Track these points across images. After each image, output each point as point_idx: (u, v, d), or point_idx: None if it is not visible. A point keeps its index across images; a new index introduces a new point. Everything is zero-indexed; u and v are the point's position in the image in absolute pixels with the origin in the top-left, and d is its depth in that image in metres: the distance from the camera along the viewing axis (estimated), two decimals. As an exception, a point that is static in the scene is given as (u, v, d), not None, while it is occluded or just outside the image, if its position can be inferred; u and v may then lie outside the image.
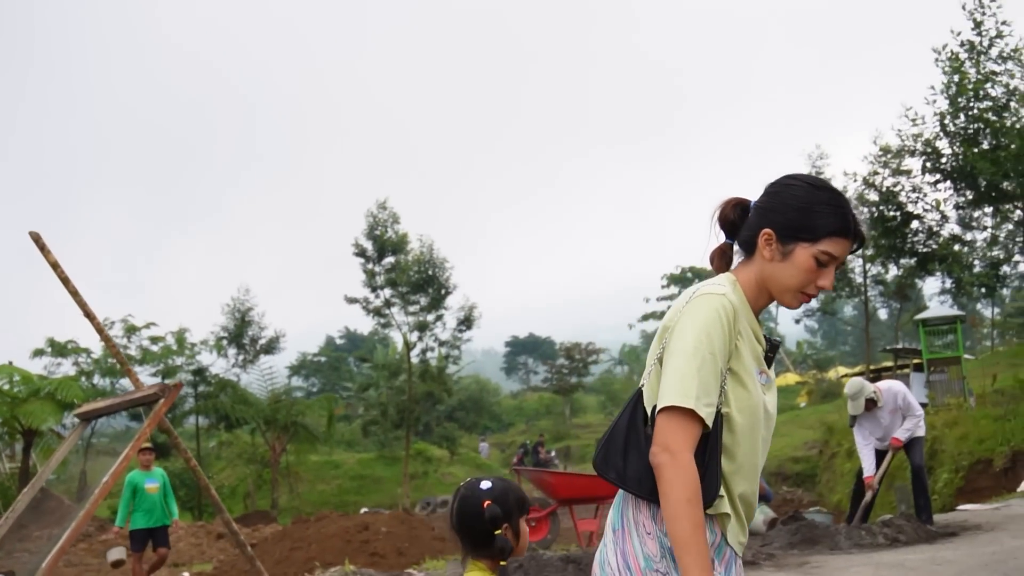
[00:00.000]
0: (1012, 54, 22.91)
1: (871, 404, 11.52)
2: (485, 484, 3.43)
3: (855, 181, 27.06)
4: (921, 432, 11.84)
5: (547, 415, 71.54)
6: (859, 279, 33.93)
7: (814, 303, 36.56)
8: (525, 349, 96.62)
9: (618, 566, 2.87)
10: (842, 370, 55.03)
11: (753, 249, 2.96)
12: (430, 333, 38.74)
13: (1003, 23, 22.83)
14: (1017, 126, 22.60)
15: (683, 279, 62.53)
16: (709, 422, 2.75)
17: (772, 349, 2.98)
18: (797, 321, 54.35)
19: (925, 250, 26.00)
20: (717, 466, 2.79)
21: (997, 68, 22.95)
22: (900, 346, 35.27)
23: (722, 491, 2.82)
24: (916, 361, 30.87)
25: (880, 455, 11.90)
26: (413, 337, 38.80)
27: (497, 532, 3.35)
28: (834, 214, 2.89)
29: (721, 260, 3.07)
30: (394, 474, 44.32)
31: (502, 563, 3.38)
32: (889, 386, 11.71)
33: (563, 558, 10.25)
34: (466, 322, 38.90)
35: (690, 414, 2.72)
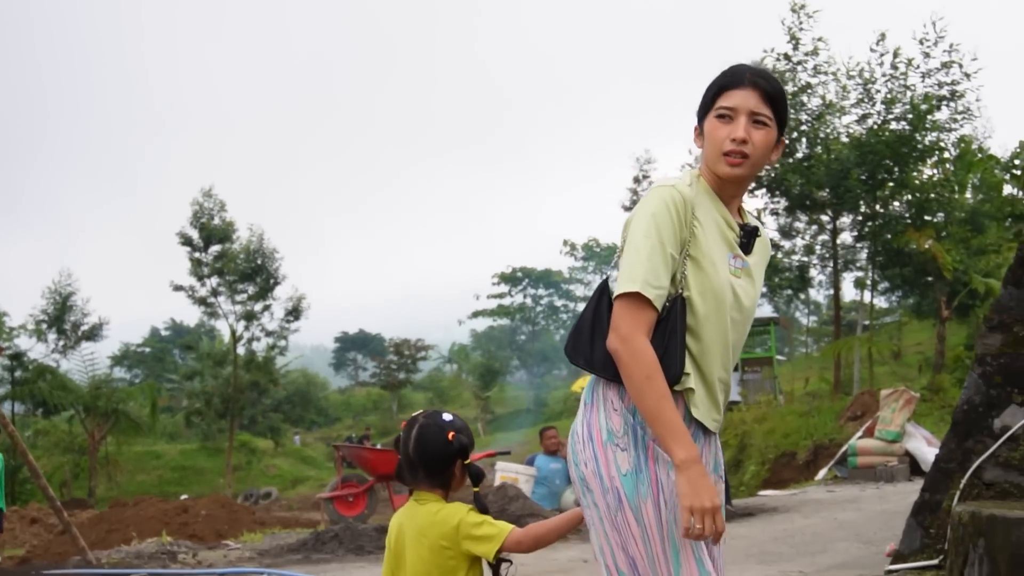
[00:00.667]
0: (825, 67, 24.20)
1: None
2: (447, 416, 3.52)
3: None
4: None
5: (375, 411, 71.46)
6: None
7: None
8: (355, 345, 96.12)
9: (582, 435, 3.02)
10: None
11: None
12: (257, 323, 38.51)
13: (819, 39, 24.10)
14: (830, 137, 23.89)
15: (513, 278, 63.41)
16: (658, 304, 2.92)
17: (747, 235, 3.14)
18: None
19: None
20: (680, 346, 2.95)
21: (813, 81, 24.22)
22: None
23: (688, 369, 2.97)
24: (736, 358, 32.07)
25: None
26: (240, 327, 38.48)
27: (467, 462, 3.47)
28: (721, 77, 3.10)
29: None
30: (217, 465, 43.82)
31: (476, 489, 3.48)
32: None
33: (377, 528, 10.61)
34: (294, 312, 38.82)
35: (639, 298, 2.88)
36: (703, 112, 3.10)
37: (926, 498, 5.97)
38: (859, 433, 18.45)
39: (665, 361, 2.91)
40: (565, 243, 48.94)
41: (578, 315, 3.17)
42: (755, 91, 3.04)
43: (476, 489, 3.51)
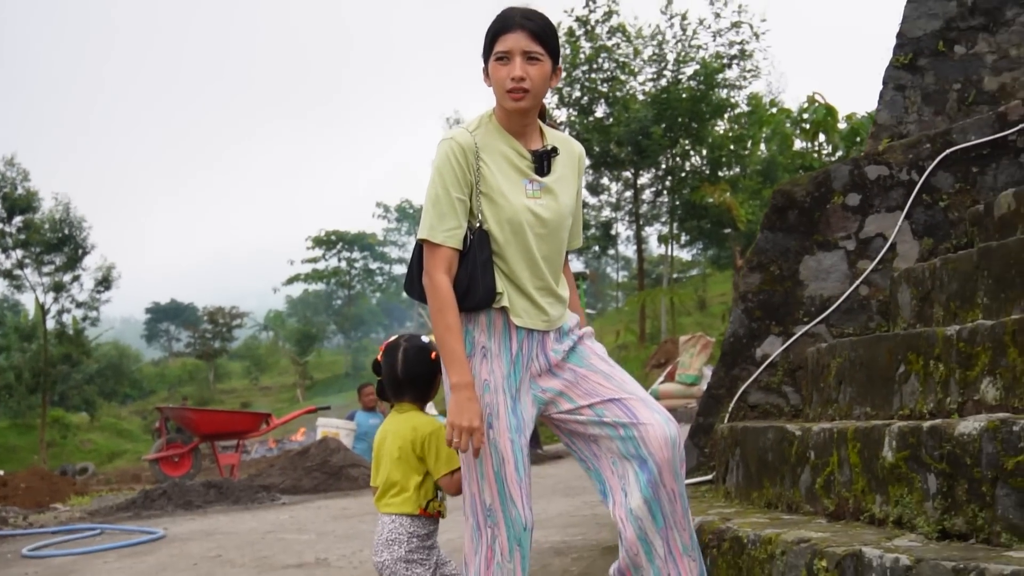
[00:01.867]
0: (619, 28, 25.09)
1: None
2: (425, 339, 4.10)
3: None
4: None
5: (191, 381, 70.43)
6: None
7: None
8: (167, 316, 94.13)
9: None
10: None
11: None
12: (66, 294, 37.65)
13: (613, 2, 24.97)
14: (627, 96, 24.84)
15: (327, 242, 63.17)
16: (454, 244, 3.44)
17: (539, 158, 3.59)
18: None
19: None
20: (486, 272, 3.46)
21: (608, 43, 25.10)
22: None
23: (502, 288, 3.49)
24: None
25: None
26: (48, 299, 37.55)
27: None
28: (494, 23, 3.54)
29: None
30: (29, 442, 42.71)
31: None
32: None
33: (205, 484, 10.93)
34: (104, 283, 38.06)
35: (430, 242, 3.44)
36: (486, 56, 3.56)
37: (700, 422, 6.71)
38: (661, 378, 19.49)
39: (470, 289, 3.45)
40: (378, 205, 49.26)
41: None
42: (524, 32, 3.47)
43: None
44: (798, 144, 34.14)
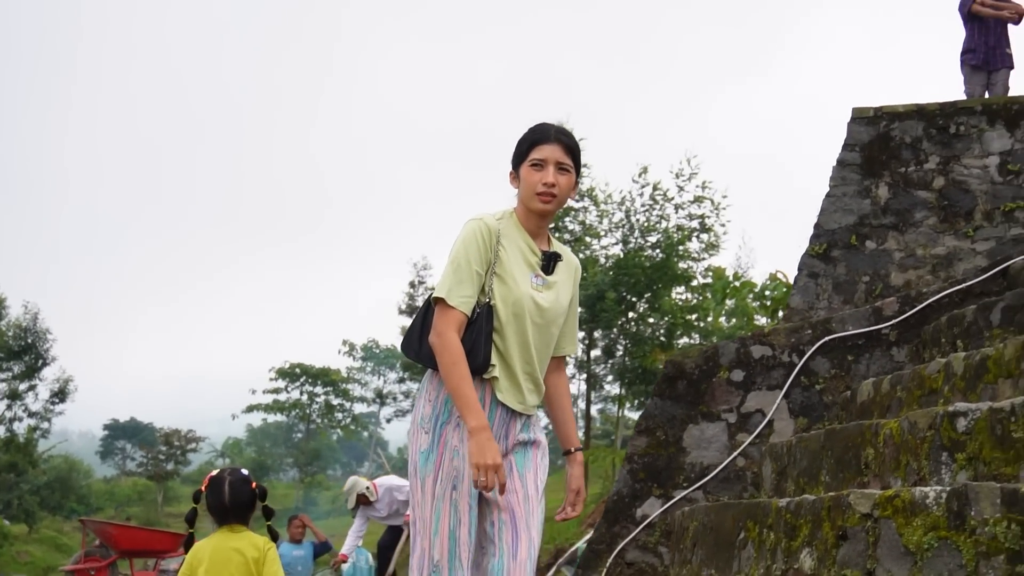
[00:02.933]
0: (588, 193, 25.88)
1: (364, 499, 12.65)
2: (245, 471, 4.80)
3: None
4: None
5: (139, 502, 69.40)
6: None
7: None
8: (124, 433, 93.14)
9: (413, 416, 3.88)
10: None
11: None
12: (20, 403, 37.59)
13: (584, 165, 25.78)
14: (589, 259, 25.48)
15: (291, 374, 63.15)
16: (465, 309, 3.78)
17: (548, 259, 3.98)
18: (388, 421, 56.07)
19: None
20: (484, 343, 3.79)
21: (576, 205, 25.85)
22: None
23: (495, 361, 3.82)
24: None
25: (393, 535, 13.04)
26: (1, 406, 37.50)
27: (263, 503, 4.75)
28: (531, 133, 3.95)
29: None
30: (-36, 549, 42.03)
31: (268, 523, 4.84)
32: (386, 482, 12.83)
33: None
34: (60, 395, 38.05)
35: (446, 304, 3.73)
36: (518, 161, 3.98)
37: (579, 574, 7.01)
38: (590, 534, 19.62)
39: (471, 354, 3.77)
40: (344, 343, 49.48)
41: (412, 321, 4.02)
42: (559, 145, 3.90)
43: (268, 523, 4.86)
44: (760, 319, 34.85)
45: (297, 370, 63.41)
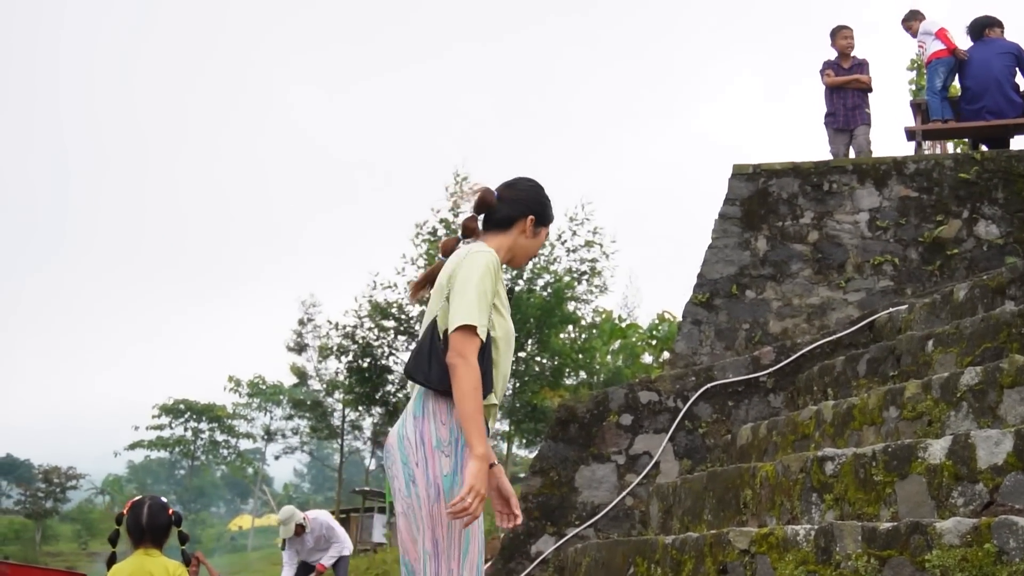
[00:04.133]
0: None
1: (300, 529, 12.97)
2: (163, 499, 5.11)
3: (337, 330, 29.52)
4: (347, 552, 13.51)
5: (16, 540, 67.58)
6: (338, 422, 36.17)
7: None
8: (0, 470, 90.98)
9: (414, 441, 3.77)
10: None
11: (509, 226, 4.15)
12: None
13: (477, 209, 26.29)
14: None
15: (175, 410, 62.32)
16: (483, 338, 3.89)
17: (509, 292, 4.21)
18: (276, 458, 55.67)
19: (396, 400, 28.65)
20: (489, 371, 3.93)
21: (469, 247, 26.28)
22: (368, 488, 37.58)
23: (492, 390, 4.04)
24: (381, 504, 33.24)
25: (307, 570, 13.38)
26: None
27: (179, 528, 5.07)
28: (551, 211, 4.35)
29: (470, 229, 4.16)
30: None
31: (183, 547, 5.22)
32: (316, 515, 13.24)
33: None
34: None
35: (473, 330, 3.82)
36: (543, 221, 4.21)
37: (476, 608, 7.33)
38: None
39: (483, 383, 3.88)
40: (230, 379, 49.09)
41: (416, 345, 3.98)
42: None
43: (183, 547, 5.28)
44: (647, 358, 35.63)
45: (181, 406, 62.69)
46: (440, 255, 4.14)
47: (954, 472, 4.30)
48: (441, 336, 3.88)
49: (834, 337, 7.26)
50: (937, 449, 4.40)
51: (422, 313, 4.20)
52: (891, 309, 7.21)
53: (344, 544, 13.37)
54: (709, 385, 7.34)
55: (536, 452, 7.43)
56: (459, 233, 4.20)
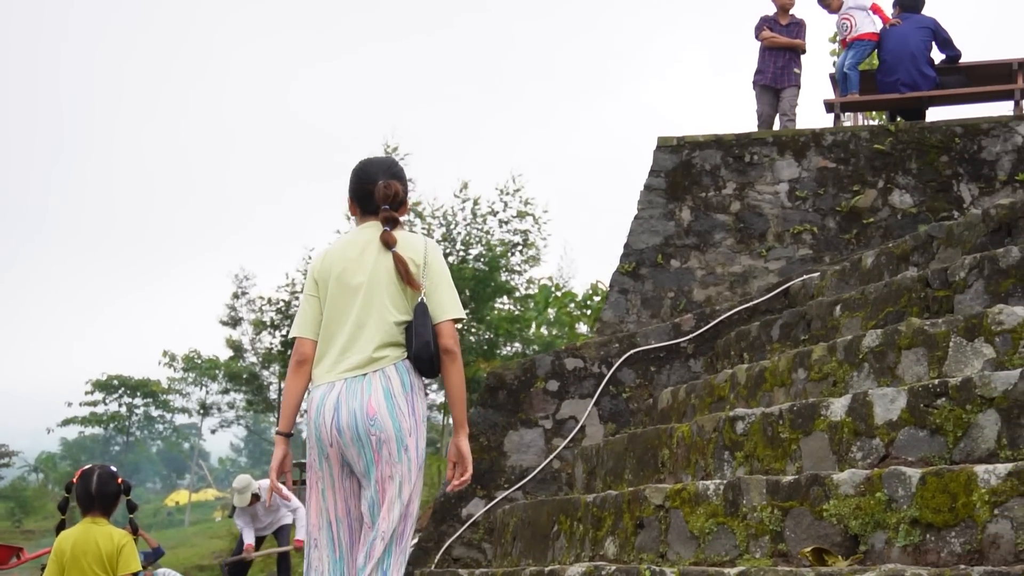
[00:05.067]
0: (413, 207, 26.51)
1: (255, 499, 13.09)
2: (113, 468, 5.31)
3: (270, 305, 29.62)
4: (300, 522, 13.54)
5: (-54, 520, 66.83)
6: (274, 396, 36.18)
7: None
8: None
9: (406, 411, 4.12)
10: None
11: (401, 209, 4.41)
12: None
13: (408, 180, 26.39)
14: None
15: (108, 386, 61.80)
16: None
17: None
18: (213, 432, 55.43)
19: (332, 373, 28.75)
20: None
21: (401, 219, 26.39)
22: (304, 461, 37.50)
23: None
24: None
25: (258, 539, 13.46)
26: None
27: (127, 497, 5.29)
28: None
29: (395, 220, 4.39)
30: None
31: (131, 516, 5.48)
32: (264, 484, 13.33)
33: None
34: None
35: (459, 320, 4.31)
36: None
37: (409, 571, 7.56)
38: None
39: None
40: (165, 353, 48.81)
41: (420, 331, 4.25)
42: None
43: (132, 516, 5.50)
44: (581, 328, 35.96)
45: (115, 382, 62.17)
46: (387, 248, 4.27)
47: (853, 428, 4.58)
48: (413, 317, 4.22)
49: (751, 304, 7.55)
50: (838, 407, 4.69)
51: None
52: (804, 276, 7.51)
53: (296, 503, 13.51)
54: (632, 351, 7.60)
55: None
56: (386, 226, 4.34)
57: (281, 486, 4.42)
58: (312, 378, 4.31)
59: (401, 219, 4.42)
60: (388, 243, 4.28)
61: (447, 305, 4.31)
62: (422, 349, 4.17)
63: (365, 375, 4.16)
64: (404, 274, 4.22)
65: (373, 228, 4.34)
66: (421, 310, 4.23)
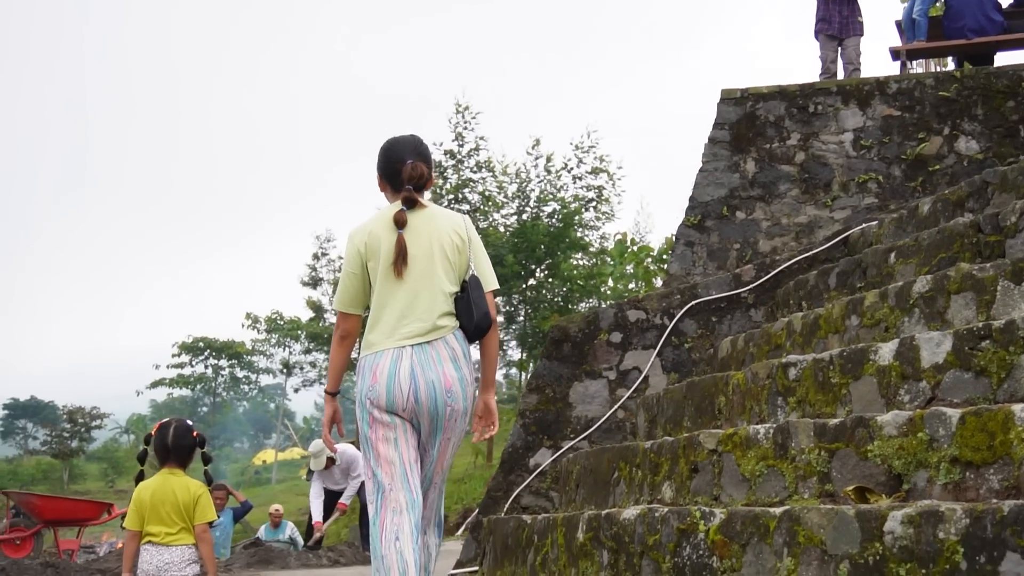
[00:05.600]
0: (485, 164, 26.69)
1: (331, 462, 13.48)
2: (188, 422, 5.61)
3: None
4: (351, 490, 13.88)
5: (44, 480, 68.77)
6: (355, 354, 36.71)
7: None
8: (25, 413, 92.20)
9: (469, 379, 4.60)
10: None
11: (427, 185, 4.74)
12: (-78, 384, 37.32)
13: (480, 138, 26.62)
14: (489, 228, 26.27)
15: (194, 348, 63.03)
16: None
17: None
18: (296, 391, 56.35)
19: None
20: None
21: (474, 176, 26.62)
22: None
23: None
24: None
25: (330, 501, 13.87)
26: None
27: (203, 449, 5.59)
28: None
29: (416, 201, 4.69)
30: None
31: (206, 468, 5.67)
32: (343, 448, 13.71)
33: (43, 564, 11.58)
34: (-38, 376, 37.82)
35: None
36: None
37: (478, 519, 7.79)
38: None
39: None
40: (248, 316, 49.62)
41: (475, 301, 4.66)
42: None
43: (206, 468, 5.70)
44: (659, 282, 35.95)
45: (201, 344, 63.38)
46: (397, 227, 4.55)
47: (901, 372, 4.68)
48: (469, 289, 4.61)
49: (810, 253, 7.62)
50: (886, 352, 4.78)
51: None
52: (863, 225, 7.56)
53: (360, 476, 13.88)
54: (694, 302, 7.71)
55: (534, 370, 7.84)
56: (405, 206, 4.63)
57: (331, 440, 4.89)
58: (368, 343, 4.56)
59: (424, 196, 4.72)
60: (399, 222, 4.55)
61: (489, 278, 4.74)
62: (482, 319, 4.58)
63: (429, 342, 4.47)
64: (399, 265, 4.53)
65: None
66: (475, 283, 4.63)
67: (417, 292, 4.50)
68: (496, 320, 4.66)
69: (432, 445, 4.58)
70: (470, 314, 4.54)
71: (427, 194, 4.80)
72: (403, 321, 4.48)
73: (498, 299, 28.46)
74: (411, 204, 4.62)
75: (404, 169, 4.62)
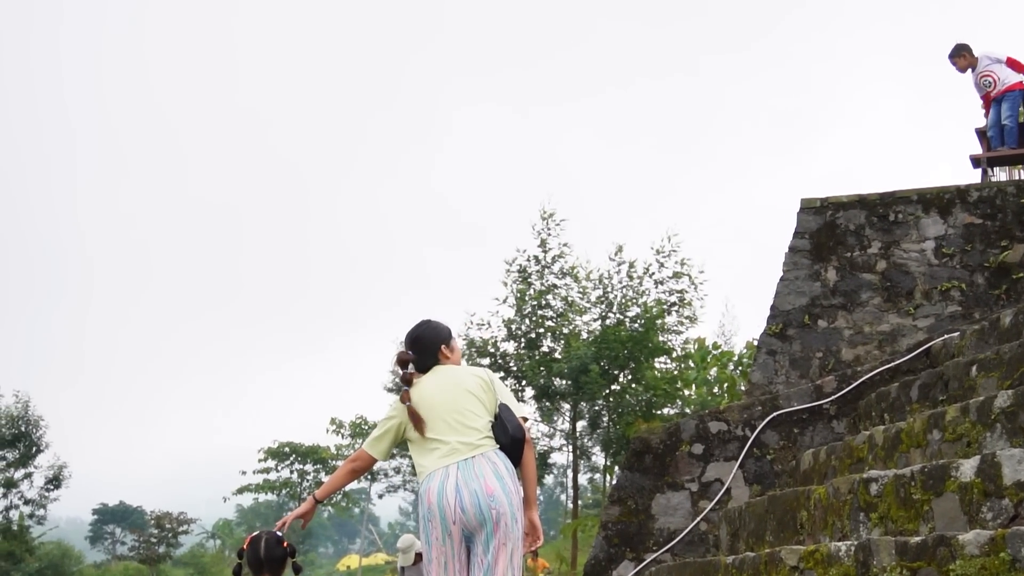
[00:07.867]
0: (569, 271, 26.86)
1: (419, 558, 13.55)
2: (279, 533, 5.70)
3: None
4: None
5: (131, 586, 69.28)
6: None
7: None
8: (114, 518, 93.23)
9: (514, 490, 5.00)
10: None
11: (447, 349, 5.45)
12: (16, 490, 38.07)
13: (564, 245, 26.84)
14: (570, 332, 26.37)
15: (280, 453, 63.46)
16: None
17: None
18: (380, 497, 56.23)
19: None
20: None
21: (557, 282, 26.80)
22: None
23: None
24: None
25: None
26: (-3, 494, 37.98)
27: (294, 559, 5.65)
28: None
29: (411, 377, 5.37)
30: (-41, 638, 42.14)
31: None
32: None
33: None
34: (54, 481, 38.52)
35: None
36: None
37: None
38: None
39: None
40: (332, 421, 49.87)
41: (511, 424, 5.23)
42: None
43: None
44: (742, 387, 35.62)
45: (286, 449, 63.72)
46: (404, 386, 5.34)
47: (983, 489, 4.66)
48: (494, 419, 5.20)
49: (891, 365, 7.60)
50: (968, 468, 4.77)
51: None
52: (945, 336, 7.54)
53: None
54: (775, 414, 7.72)
55: (616, 481, 7.87)
56: (402, 379, 5.43)
57: (288, 518, 5.66)
58: (422, 467, 5.19)
59: (451, 354, 5.48)
60: (403, 400, 5.29)
61: (520, 407, 5.40)
62: (516, 430, 5.16)
63: (473, 457, 5.05)
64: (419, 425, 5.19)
65: (435, 370, 5.39)
66: (505, 409, 5.25)
67: (458, 424, 5.15)
68: (528, 439, 5.17)
69: (486, 552, 4.96)
70: (505, 429, 5.14)
71: (457, 348, 5.58)
72: (449, 446, 5.11)
73: (581, 405, 28.54)
74: (407, 382, 5.35)
75: (402, 354, 5.47)
